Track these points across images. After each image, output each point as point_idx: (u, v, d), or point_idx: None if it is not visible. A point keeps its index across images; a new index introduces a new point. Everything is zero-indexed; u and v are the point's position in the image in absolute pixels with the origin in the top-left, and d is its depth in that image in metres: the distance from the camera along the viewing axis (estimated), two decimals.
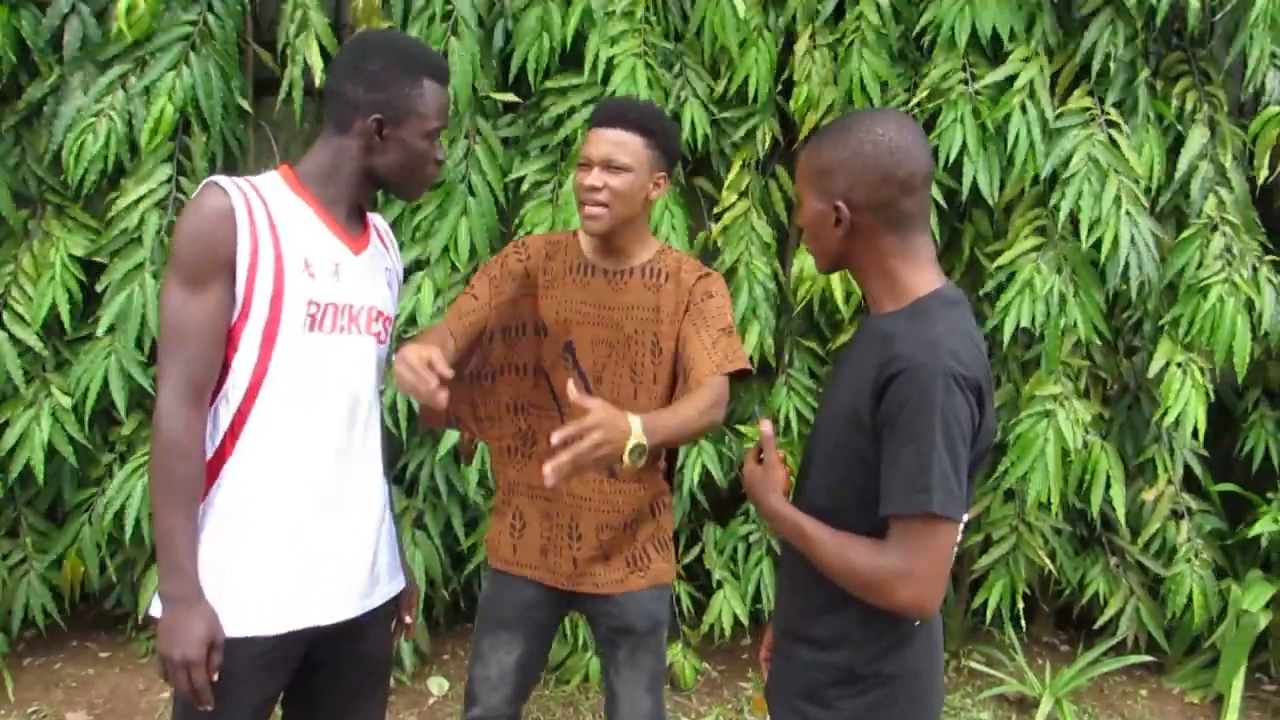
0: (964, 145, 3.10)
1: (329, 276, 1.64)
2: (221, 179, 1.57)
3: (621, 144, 1.90)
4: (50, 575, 3.08)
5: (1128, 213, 3.14)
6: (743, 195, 3.28)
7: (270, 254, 1.57)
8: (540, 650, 2.12)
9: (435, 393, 1.55)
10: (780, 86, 3.25)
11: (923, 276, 1.48)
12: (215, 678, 1.53)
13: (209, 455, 1.57)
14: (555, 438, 1.48)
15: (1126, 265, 3.17)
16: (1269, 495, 3.55)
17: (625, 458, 1.56)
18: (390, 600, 1.81)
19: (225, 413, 1.58)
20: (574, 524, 1.99)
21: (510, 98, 3.15)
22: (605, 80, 3.04)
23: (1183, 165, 3.28)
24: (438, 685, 3.21)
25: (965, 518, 1.50)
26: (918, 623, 1.51)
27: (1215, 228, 3.26)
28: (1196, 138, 3.29)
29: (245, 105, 3.08)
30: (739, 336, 2.04)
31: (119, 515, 2.96)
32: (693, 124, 3.14)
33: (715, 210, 3.32)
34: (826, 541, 1.45)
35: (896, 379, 1.37)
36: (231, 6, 2.99)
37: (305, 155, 1.68)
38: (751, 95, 3.14)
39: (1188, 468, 3.52)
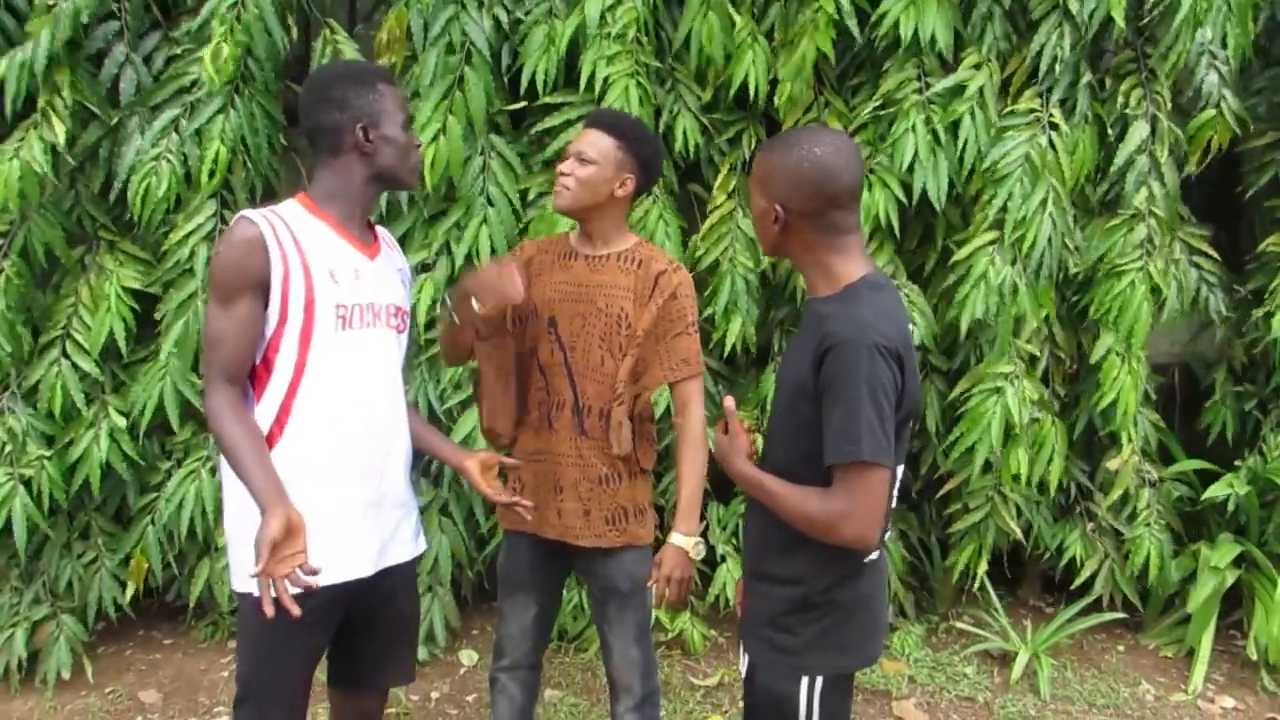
0: (915, 153, 3.36)
1: (352, 281, 1.95)
2: (250, 212, 1.90)
3: (594, 142, 2.25)
4: (119, 572, 3.42)
5: (1050, 213, 3.39)
6: (731, 195, 3.53)
7: (300, 268, 1.88)
8: (552, 605, 2.45)
9: (514, 272, 2.10)
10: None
11: (852, 266, 1.77)
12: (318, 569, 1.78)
13: None
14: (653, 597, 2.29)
15: (1043, 258, 3.43)
16: (1236, 464, 3.81)
17: (695, 557, 2.26)
18: (415, 560, 2.14)
19: (271, 406, 1.90)
20: (556, 479, 2.30)
21: (519, 106, 3.40)
22: (601, 99, 3.28)
23: (1120, 160, 3.54)
24: (468, 657, 3.54)
25: (900, 469, 1.82)
26: (865, 559, 1.80)
27: (1141, 219, 3.52)
28: (1136, 134, 3.54)
29: (284, 141, 3.38)
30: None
31: (176, 516, 3.31)
32: (684, 135, 3.42)
33: (708, 208, 3.60)
34: (784, 494, 1.75)
35: (830, 353, 1.67)
36: (270, 50, 3.26)
37: (313, 185, 1.99)
38: (751, 98, 3.34)
39: (1152, 441, 3.80)
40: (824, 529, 1.70)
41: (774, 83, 3.39)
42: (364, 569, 1.99)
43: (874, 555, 1.83)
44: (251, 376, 1.91)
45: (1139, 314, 3.50)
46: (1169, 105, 3.59)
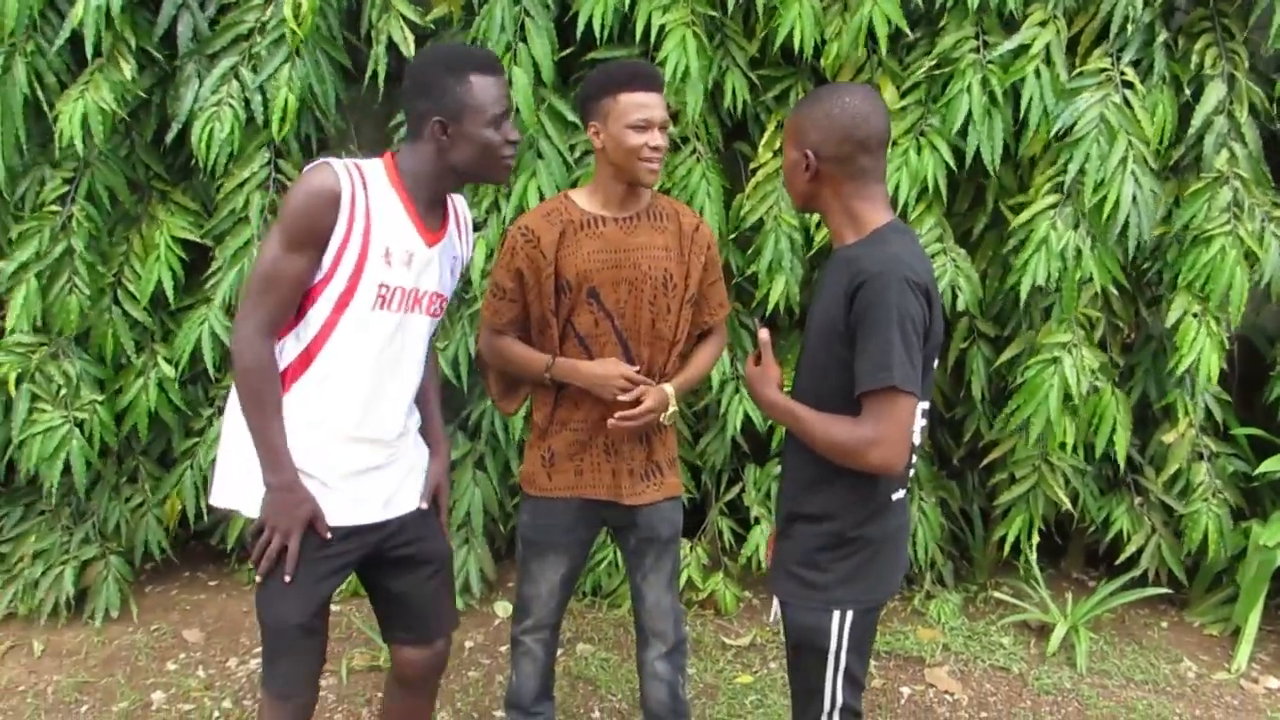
0: (969, 114, 3.26)
1: (402, 265, 1.94)
2: (334, 162, 1.88)
3: (662, 105, 2.21)
4: (164, 515, 3.52)
5: (1133, 173, 3.28)
6: (777, 153, 3.45)
7: (359, 240, 1.88)
8: (581, 564, 2.46)
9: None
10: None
11: (878, 213, 1.85)
12: (328, 536, 1.91)
13: None
14: (619, 412, 2.22)
15: (1127, 222, 3.30)
16: None
17: (664, 419, 2.29)
18: (432, 513, 2.17)
19: (291, 352, 1.92)
20: (610, 442, 2.31)
21: (566, 53, 3.34)
22: (656, 48, 3.22)
23: (1197, 121, 3.39)
24: (502, 609, 3.58)
25: (924, 406, 1.87)
26: (893, 497, 1.87)
27: (1225, 181, 3.39)
28: (1213, 94, 3.39)
29: (341, 93, 3.35)
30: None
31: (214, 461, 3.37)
32: (733, 91, 3.35)
33: (751, 166, 3.55)
34: (813, 420, 1.81)
35: (862, 288, 1.73)
36: (337, 1, 3.26)
37: (402, 153, 1.97)
38: (797, 52, 3.25)
39: (1215, 413, 3.68)
40: (851, 455, 1.76)
41: (824, 38, 3.30)
42: (367, 517, 2.02)
43: (900, 493, 1.91)
44: None
45: (1232, 280, 3.35)
46: (1246, 65, 3.44)
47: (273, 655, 2.01)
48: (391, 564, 2.11)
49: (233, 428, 1.97)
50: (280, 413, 1.90)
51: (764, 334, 1.96)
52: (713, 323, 2.44)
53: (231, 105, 3.25)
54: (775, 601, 1.99)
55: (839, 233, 1.87)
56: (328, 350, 1.92)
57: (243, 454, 1.93)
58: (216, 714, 2.96)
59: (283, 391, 1.92)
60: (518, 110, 3.25)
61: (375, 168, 1.95)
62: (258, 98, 3.26)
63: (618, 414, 2.22)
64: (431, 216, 2.00)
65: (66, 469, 3.27)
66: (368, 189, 1.90)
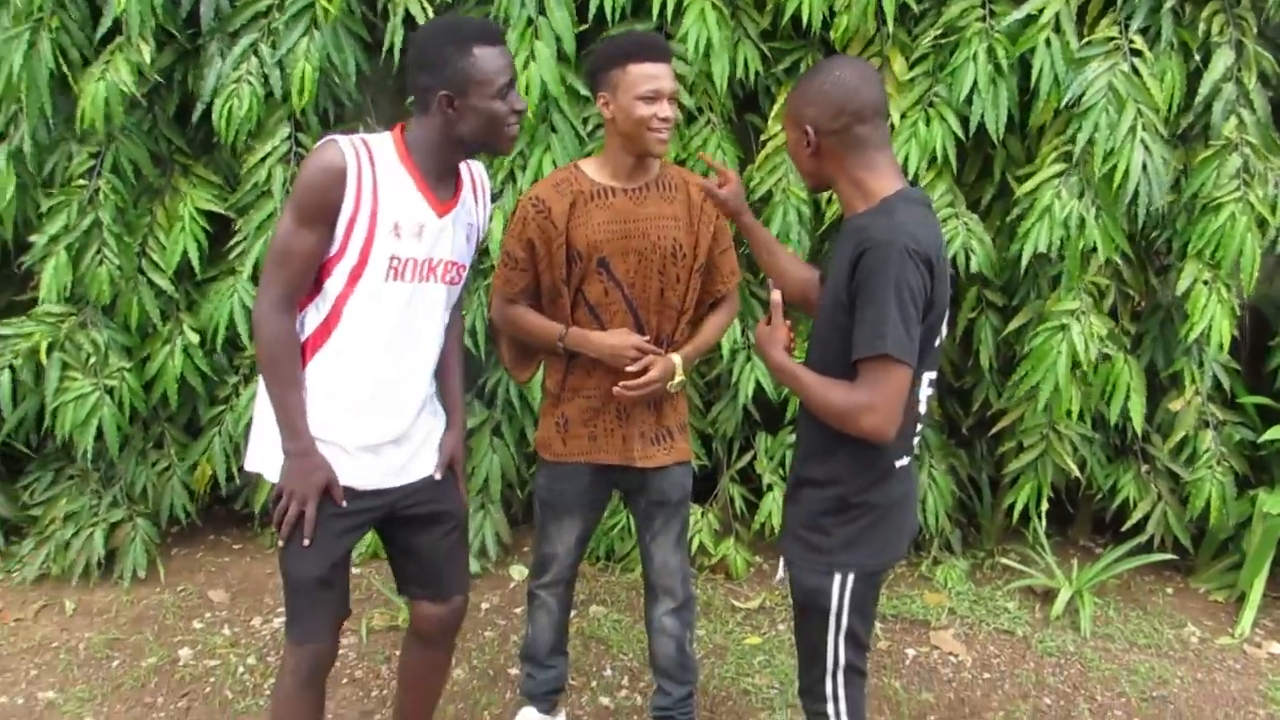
0: (975, 83, 3.29)
1: (413, 237, 1.99)
2: (341, 139, 1.93)
3: (671, 76, 2.25)
4: (188, 479, 3.62)
5: (1142, 141, 3.30)
6: None
7: (368, 214, 1.94)
8: (595, 525, 2.56)
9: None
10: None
11: (886, 181, 1.87)
12: (344, 503, 2.00)
13: None
14: (628, 377, 2.31)
15: (1137, 191, 3.32)
16: None
17: (670, 387, 2.36)
18: (447, 480, 2.22)
19: (312, 322, 2.00)
20: (622, 409, 2.38)
21: (584, 29, 3.38)
22: (673, 22, 3.25)
23: (1205, 89, 3.41)
24: (518, 572, 3.68)
25: (930, 375, 1.92)
26: (898, 464, 1.92)
27: (1234, 149, 3.40)
28: (1220, 61, 3.40)
29: (363, 64, 3.40)
30: None
31: (246, 429, 3.47)
32: (745, 63, 3.39)
33: (761, 138, 3.59)
34: (813, 384, 1.86)
35: (864, 256, 1.76)
36: None
37: (409, 127, 2.02)
38: (805, 25, 3.29)
39: (1223, 381, 3.70)
40: (845, 419, 1.81)
41: (834, 11, 3.34)
42: (382, 483, 2.09)
43: (905, 460, 1.96)
44: None
45: (1243, 247, 3.36)
46: (1254, 30, 3.44)
47: (293, 605, 2.10)
48: (408, 522, 2.18)
49: (263, 396, 2.06)
50: (298, 383, 1.98)
51: (775, 295, 2.00)
52: (724, 290, 2.49)
53: (250, 82, 3.32)
54: (782, 562, 2.06)
55: (849, 204, 1.90)
56: (344, 322, 1.99)
57: (270, 421, 2.02)
58: (241, 669, 3.07)
59: (304, 363, 2.00)
60: (531, 87, 3.30)
61: (384, 142, 2.00)
62: (276, 73, 3.33)
63: (622, 383, 2.29)
64: (443, 187, 2.04)
65: (99, 435, 3.38)
66: (375, 164, 1.95)
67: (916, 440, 2.00)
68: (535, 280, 2.37)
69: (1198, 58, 3.43)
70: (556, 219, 2.29)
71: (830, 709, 1.99)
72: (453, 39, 1.95)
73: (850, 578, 1.92)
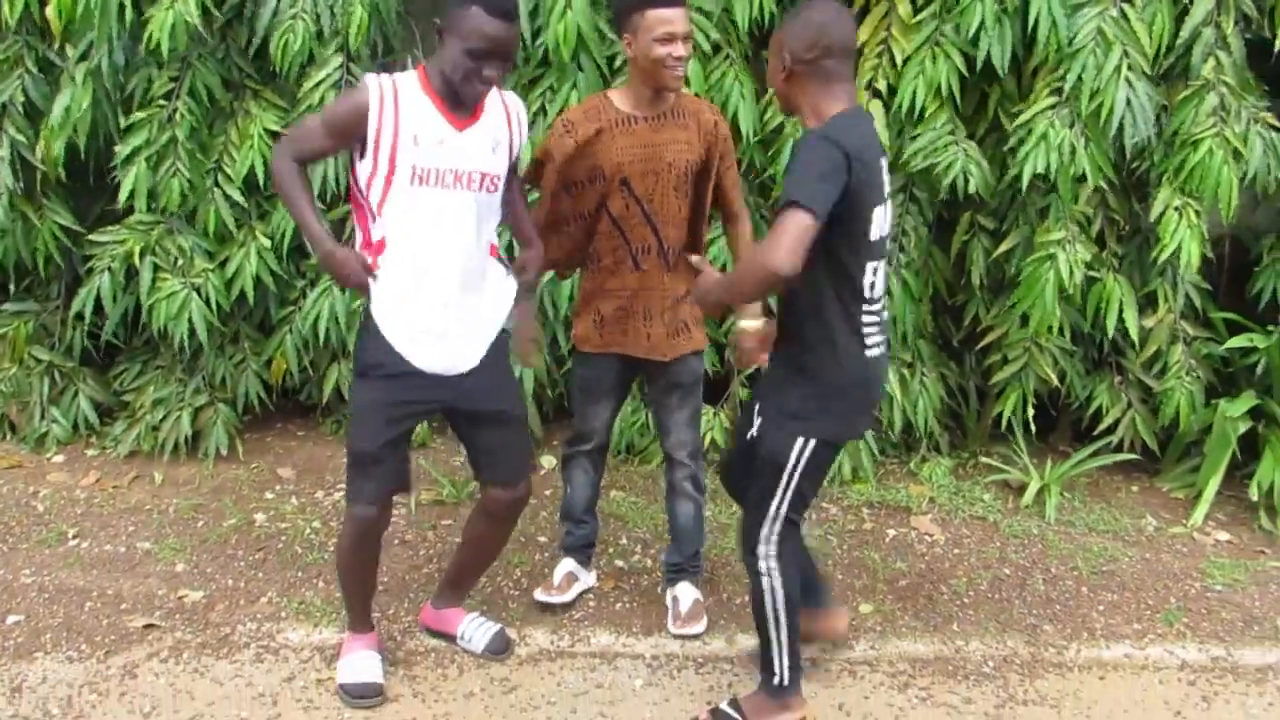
0: (982, 21, 3.60)
1: (435, 147, 2.40)
2: (372, 78, 2.38)
3: (685, 19, 2.61)
4: (262, 372, 4.11)
5: (1127, 80, 3.60)
6: None
7: (391, 130, 2.37)
8: (622, 402, 3.06)
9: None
10: None
11: (837, 105, 2.24)
12: (375, 271, 2.43)
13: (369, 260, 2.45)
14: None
15: (1122, 125, 3.65)
16: (1269, 328, 4.03)
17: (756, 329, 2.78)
18: (503, 371, 2.65)
19: (373, 232, 2.46)
20: (646, 309, 2.81)
21: None
22: None
23: (1185, 32, 3.70)
24: (548, 461, 4.15)
25: (875, 265, 2.28)
26: (867, 353, 2.30)
27: (1211, 88, 3.70)
28: (1201, 6, 3.68)
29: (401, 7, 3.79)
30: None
31: (311, 327, 3.93)
32: (760, 2, 3.69)
33: None
34: (732, 276, 2.26)
35: (792, 149, 2.18)
36: None
37: (432, 61, 2.44)
38: None
39: (1195, 300, 4.04)
40: (754, 272, 2.13)
41: None
42: (431, 366, 2.49)
43: (873, 351, 2.33)
44: (355, 207, 2.49)
45: (1220, 179, 3.66)
46: None
47: (351, 474, 2.58)
48: (475, 418, 2.61)
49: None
50: (308, 204, 2.43)
51: (695, 258, 2.47)
52: (735, 204, 2.89)
53: (304, 19, 3.72)
54: (757, 420, 2.47)
55: (805, 124, 2.28)
56: (388, 226, 2.44)
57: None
58: (308, 530, 3.58)
59: (372, 267, 2.44)
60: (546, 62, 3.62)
61: (409, 76, 2.43)
62: (328, 15, 3.73)
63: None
64: (460, 110, 2.43)
65: (190, 329, 3.85)
66: (399, 93, 2.38)
67: (881, 334, 2.36)
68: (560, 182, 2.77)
69: (1186, 2, 3.71)
70: (579, 139, 2.69)
71: (761, 550, 2.41)
72: None
73: (811, 444, 2.32)
